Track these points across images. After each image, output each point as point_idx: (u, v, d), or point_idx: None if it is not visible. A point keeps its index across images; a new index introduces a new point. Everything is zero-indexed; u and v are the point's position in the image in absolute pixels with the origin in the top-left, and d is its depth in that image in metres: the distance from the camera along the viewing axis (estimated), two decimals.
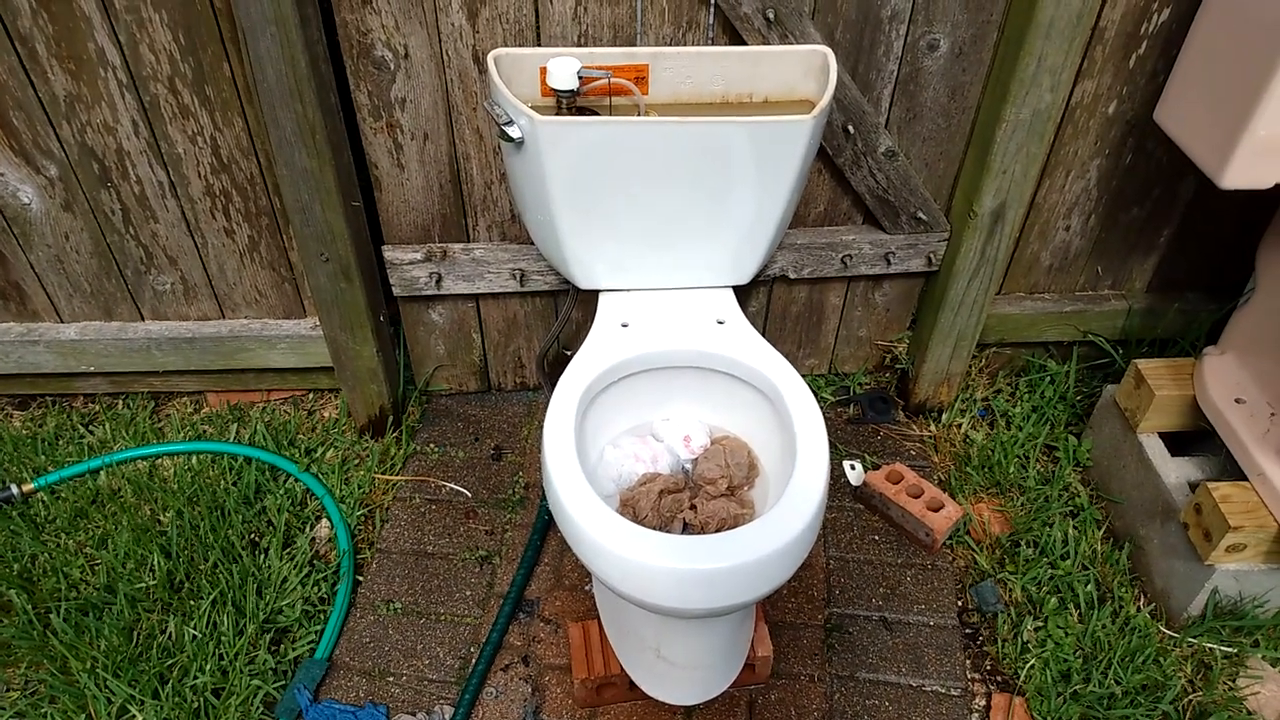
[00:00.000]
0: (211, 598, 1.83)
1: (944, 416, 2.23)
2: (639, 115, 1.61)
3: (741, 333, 1.68)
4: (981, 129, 1.80)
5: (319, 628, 1.84)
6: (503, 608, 1.85)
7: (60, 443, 2.17)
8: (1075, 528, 2.00)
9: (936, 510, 1.98)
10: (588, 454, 1.64)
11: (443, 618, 1.87)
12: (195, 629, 1.79)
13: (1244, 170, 1.56)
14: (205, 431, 2.21)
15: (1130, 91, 1.82)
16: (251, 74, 1.57)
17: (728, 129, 1.51)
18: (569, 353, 2.19)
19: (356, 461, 2.15)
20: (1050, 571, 1.92)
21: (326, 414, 2.26)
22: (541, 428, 1.55)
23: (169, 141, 1.78)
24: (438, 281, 1.97)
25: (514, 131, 1.52)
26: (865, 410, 2.26)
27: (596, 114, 1.62)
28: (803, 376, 2.30)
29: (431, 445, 2.20)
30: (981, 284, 1.97)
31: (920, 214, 1.93)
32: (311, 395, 2.29)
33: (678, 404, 1.73)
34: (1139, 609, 1.88)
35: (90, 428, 2.22)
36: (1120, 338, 2.20)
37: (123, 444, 2.17)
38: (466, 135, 1.80)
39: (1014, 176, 1.80)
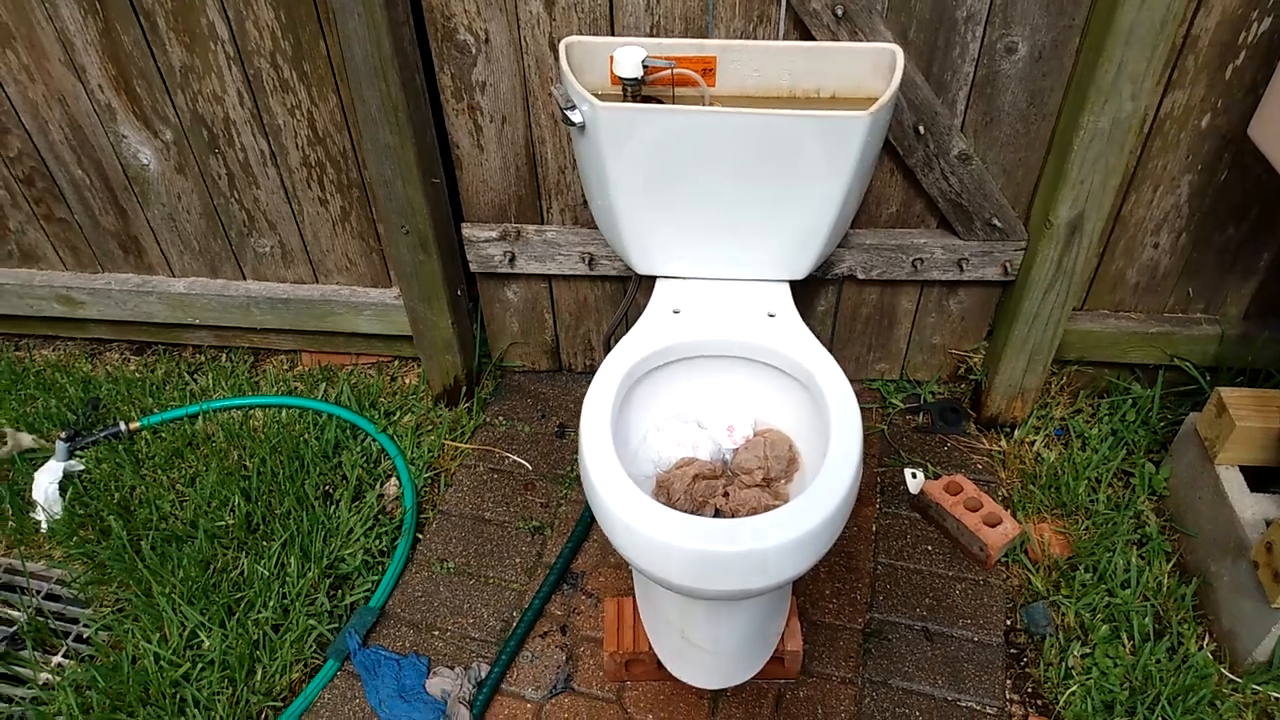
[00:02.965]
0: (282, 540, 1.96)
1: (1016, 432, 2.17)
2: (703, 106, 1.64)
3: (791, 327, 1.69)
4: (1060, 136, 1.76)
5: (376, 578, 1.94)
6: (548, 577, 1.91)
7: (167, 388, 2.35)
8: (1141, 557, 1.92)
9: (994, 526, 1.93)
10: (630, 434, 1.69)
11: (491, 581, 1.95)
12: (265, 568, 1.92)
13: None
14: (296, 388, 2.35)
15: (1226, 104, 1.74)
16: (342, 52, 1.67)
17: (781, 122, 1.52)
18: None
19: (429, 427, 2.25)
20: (1107, 599, 1.86)
21: (408, 381, 2.37)
22: None
23: (270, 113, 1.91)
24: (511, 260, 2.04)
25: (575, 116, 1.57)
26: (935, 419, 2.22)
27: (661, 103, 1.66)
28: (872, 380, 2.30)
29: (500, 418, 2.28)
30: (1058, 297, 1.92)
31: (995, 221, 1.89)
32: (396, 362, 2.41)
33: (727, 393, 1.75)
34: (1201, 647, 1.79)
35: (195, 376, 2.40)
36: (1211, 364, 2.10)
37: (221, 393, 2.33)
38: (542, 120, 1.86)
39: (1092, 187, 1.74)
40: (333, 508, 2.05)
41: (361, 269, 2.18)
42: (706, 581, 1.35)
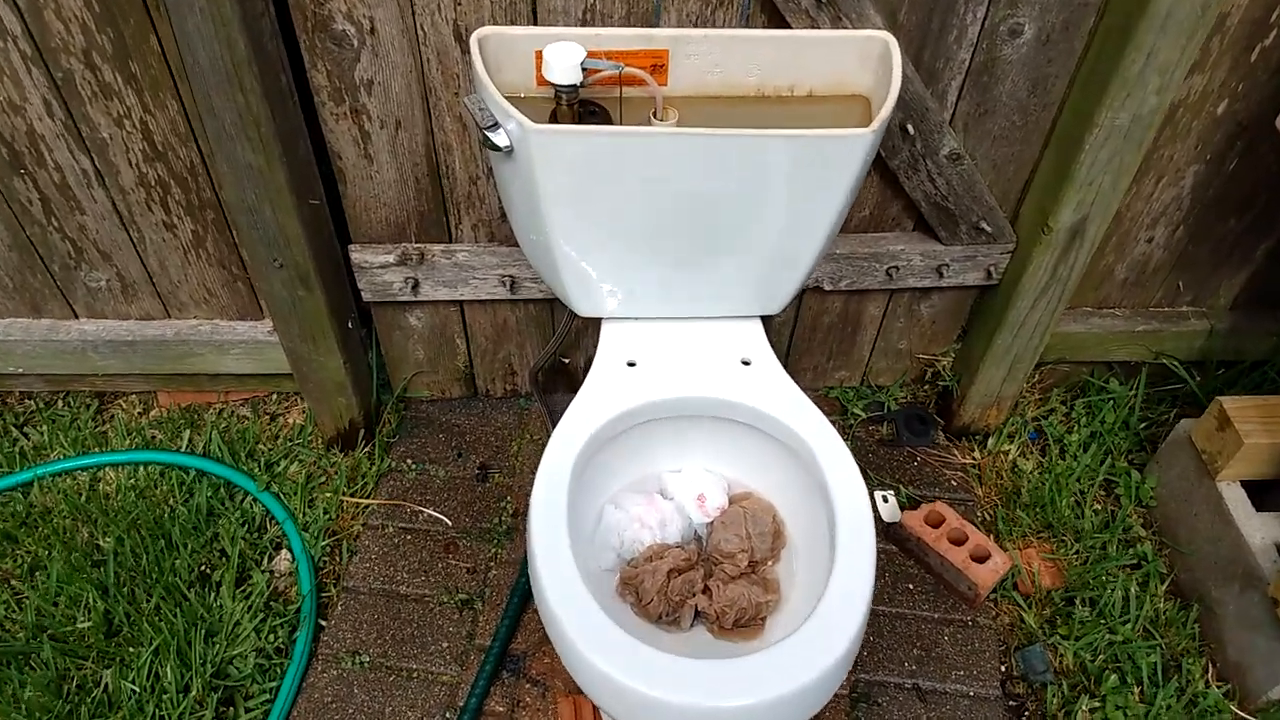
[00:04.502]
0: (154, 645, 1.60)
1: (990, 442, 1.97)
2: (655, 109, 1.31)
3: (770, 377, 1.41)
4: (1066, 132, 1.50)
5: (275, 684, 1.61)
6: (483, 665, 1.62)
7: None
8: (1137, 583, 1.76)
9: (982, 561, 1.73)
10: (584, 517, 1.39)
11: (415, 675, 1.64)
12: (134, 683, 1.57)
13: None
14: (154, 438, 1.95)
15: (1247, 89, 1.51)
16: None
17: (762, 144, 1.22)
18: (567, 361, 1.93)
19: (323, 478, 1.90)
20: (1108, 637, 1.68)
21: (290, 419, 2.00)
22: (533, 475, 1.31)
23: (90, 124, 1.48)
24: (414, 287, 1.69)
25: (500, 139, 1.23)
26: (900, 430, 2.00)
27: (603, 110, 1.33)
28: (830, 389, 2.05)
29: (409, 461, 1.94)
30: (1049, 305, 1.69)
31: (984, 224, 1.64)
32: (275, 397, 2.03)
33: (691, 454, 1.47)
34: (1208, 683, 1.65)
35: (25, 430, 1.96)
36: (1197, 358, 1.93)
37: (60, 451, 1.91)
38: (446, 124, 1.50)
39: (1101, 189, 1.51)
40: (213, 594, 1.70)
41: (224, 300, 1.78)
42: None
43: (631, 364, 1.42)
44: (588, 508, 1.40)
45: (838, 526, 1.21)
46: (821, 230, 1.34)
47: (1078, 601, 1.74)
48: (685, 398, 1.38)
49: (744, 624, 1.32)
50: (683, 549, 1.39)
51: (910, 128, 1.49)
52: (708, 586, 1.34)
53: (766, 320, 1.50)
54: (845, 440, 1.98)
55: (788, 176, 1.26)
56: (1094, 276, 1.81)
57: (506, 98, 1.24)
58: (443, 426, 2.01)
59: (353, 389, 1.79)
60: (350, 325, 1.75)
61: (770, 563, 1.39)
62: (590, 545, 1.39)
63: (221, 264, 1.71)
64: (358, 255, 1.65)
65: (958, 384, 1.93)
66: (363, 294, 1.70)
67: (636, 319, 1.47)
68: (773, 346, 1.48)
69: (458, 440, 1.98)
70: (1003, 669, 1.69)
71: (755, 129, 1.20)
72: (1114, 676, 1.63)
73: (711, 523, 1.43)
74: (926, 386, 2.05)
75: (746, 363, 1.43)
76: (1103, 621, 1.71)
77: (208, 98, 1.31)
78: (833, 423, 2.01)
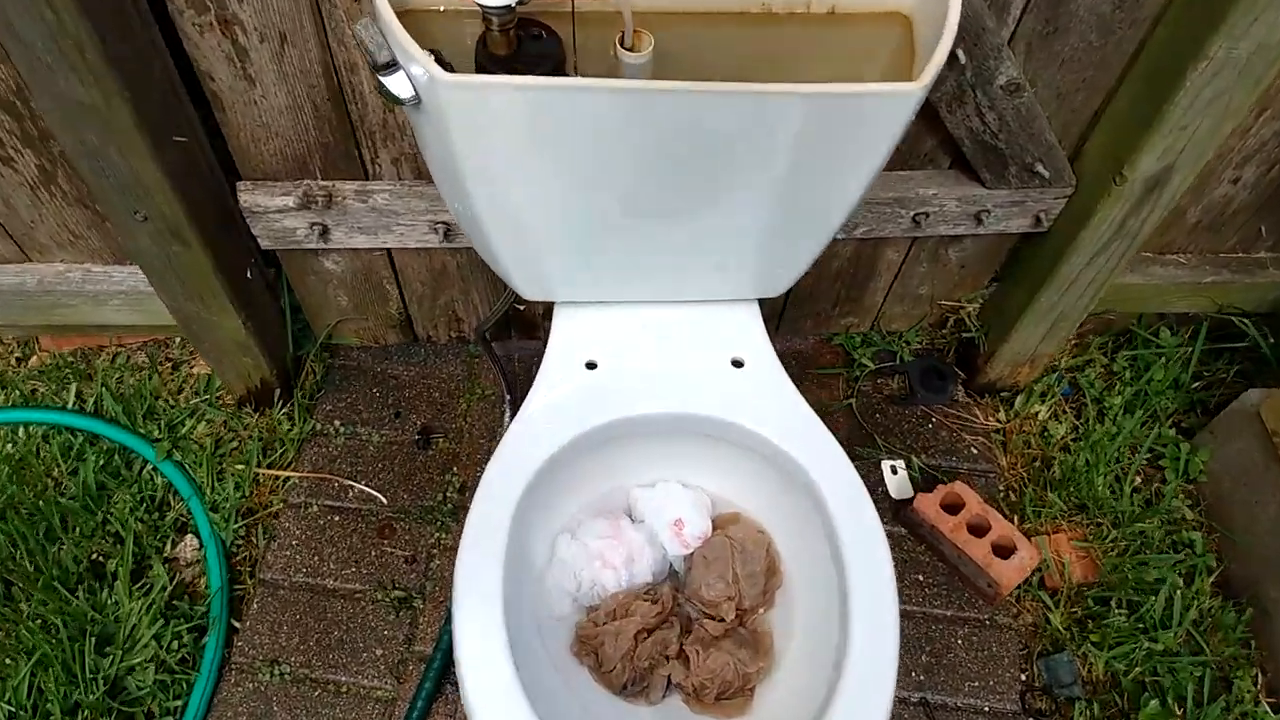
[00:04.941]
0: (33, 656, 1.36)
1: (1018, 401, 1.69)
2: (624, 35, 0.95)
3: (768, 384, 1.11)
4: (1160, 62, 1.15)
5: (179, 702, 1.38)
6: (423, 681, 1.39)
7: None
8: (1182, 576, 1.52)
9: (1005, 555, 1.48)
10: (534, 549, 1.12)
11: (345, 690, 1.41)
12: (10, 704, 1.33)
13: None
14: (35, 391, 1.65)
15: None
16: None
17: (774, 105, 0.87)
18: (522, 307, 1.62)
19: (234, 442, 1.61)
20: (1147, 646, 1.46)
21: (196, 369, 1.69)
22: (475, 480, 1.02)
23: None
24: (322, 234, 1.35)
25: (399, 87, 0.88)
26: (914, 385, 1.71)
27: (550, 33, 0.97)
28: (834, 335, 1.76)
29: (336, 421, 1.65)
30: (1108, 262, 1.38)
31: (1039, 166, 1.30)
32: (178, 341, 1.72)
33: (667, 467, 1.19)
34: (1258, 700, 1.43)
35: None
36: (1268, 311, 1.63)
37: None
38: (346, 38, 1.13)
39: (1196, 134, 1.17)
40: (106, 591, 1.44)
41: (94, 243, 1.44)
42: None
43: (591, 365, 1.11)
44: (539, 537, 1.13)
45: (851, 599, 0.95)
46: (846, 200, 1.01)
47: (1113, 602, 1.50)
48: (658, 414, 1.09)
49: (729, 696, 1.07)
50: (654, 596, 1.12)
51: (961, 54, 1.13)
52: (683, 649, 1.09)
53: (762, 302, 1.18)
54: (851, 398, 1.72)
55: (805, 144, 0.92)
56: (1162, 220, 1.48)
57: (418, 13, 0.89)
58: (377, 378, 1.71)
59: (259, 348, 1.48)
60: (250, 275, 1.42)
61: (762, 610, 1.13)
62: (540, 586, 1.12)
63: (82, 203, 1.36)
64: (248, 197, 1.30)
65: (985, 337, 1.64)
66: (260, 241, 1.37)
67: (598, 304, 1.15)
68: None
69: (395, 396, 1.69)
70: (1023, 678, 1.47)
71: (762, 84, 0.85)
72: (1154, 701, 1.40)
73: (691, 555, 1.16)
74: (945, 333, 1.75)
75: (738, 364, 1.12)
76: (1140, 626, 1.48)
77: (4, 16, 0.95)
78: (837, 375, 1.74)
